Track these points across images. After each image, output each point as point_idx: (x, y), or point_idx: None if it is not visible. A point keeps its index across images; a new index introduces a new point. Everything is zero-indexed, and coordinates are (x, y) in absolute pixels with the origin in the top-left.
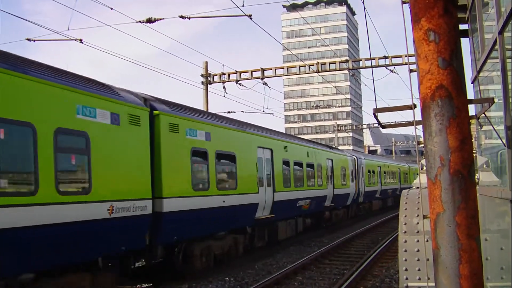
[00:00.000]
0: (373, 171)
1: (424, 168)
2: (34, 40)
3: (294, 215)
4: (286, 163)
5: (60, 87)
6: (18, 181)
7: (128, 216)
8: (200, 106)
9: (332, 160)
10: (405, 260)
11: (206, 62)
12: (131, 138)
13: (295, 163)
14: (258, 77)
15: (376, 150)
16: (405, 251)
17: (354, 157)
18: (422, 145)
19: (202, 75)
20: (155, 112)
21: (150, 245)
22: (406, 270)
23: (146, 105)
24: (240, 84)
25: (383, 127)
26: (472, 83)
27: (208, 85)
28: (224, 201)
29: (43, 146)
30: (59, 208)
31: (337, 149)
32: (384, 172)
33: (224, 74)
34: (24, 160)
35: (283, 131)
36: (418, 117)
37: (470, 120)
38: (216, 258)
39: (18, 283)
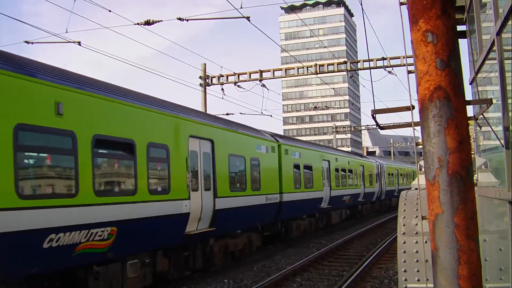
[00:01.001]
0: (392, 174)
1: (423, 169)
2: (32, 43)
3: (342, 207)
4: (343, 170)
5: (251, 137)
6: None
7: (271, 203)
8: (199, 107)
9: (363, 166)
10: (404, 261)
11: (205, 64)
12: (273, 160)
13: (349, 170)
14: (256, 79)
15: (374, 152)
16: (404, 252)
17: (378, 162)
18: (421, 146)
19: (200, 77)
20: (278, 143)
21: (274, 221)
22: (405, 271)
23: (275, 140)
24: (238, 86)
25: (382, 128)
26: (470, 84)
27: (207, 87)
28: (307, 196)
29: (248, 167)
30: (247, 198)
31: (366, 156)
32: (401, 175)
33: (222, 76)
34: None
35: (282, 133)
36: (417, 118)
37: (468, 121)
38: (302, 231)
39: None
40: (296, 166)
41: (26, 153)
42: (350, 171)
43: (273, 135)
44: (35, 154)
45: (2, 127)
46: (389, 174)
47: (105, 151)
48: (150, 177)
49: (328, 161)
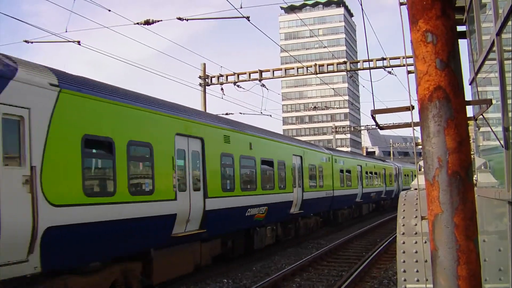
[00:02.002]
0: (407, 175)
1: (422, 169)
2: (32, 42)
3: (370, 202)
4: (371, 172)
5: (319, 152)
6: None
7: (329, 196)
8: (198, 107)
9: (385, 169)
10: (403, 261)
11: (204, 64)
12: (329, 166)
13: (375, 173)
14: (256, 79)
15: (374, 152)
16: (403, 252)
17: (396, 165)
18: (420, 147)
19: (200, 77)
20: (331, 155)
21: (328, 210)
22: (404, 271)
23: (330, 152)
24: (238, 86)
25: (381, 128)
26: (470, 84)
27: (206, 86)
28: (348, 192)
29: (317, 171)
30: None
31: (386, 160)
32: (414, 175)
33: (222, 75)
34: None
35: (281, 133)
36: (416, 118)
37: (468, 122)
38: (344, 218)
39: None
40: (341, 171)
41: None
42: (376, 173)
43: (328, 148)
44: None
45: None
46: (405, 175)
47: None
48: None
49: (361, 166)
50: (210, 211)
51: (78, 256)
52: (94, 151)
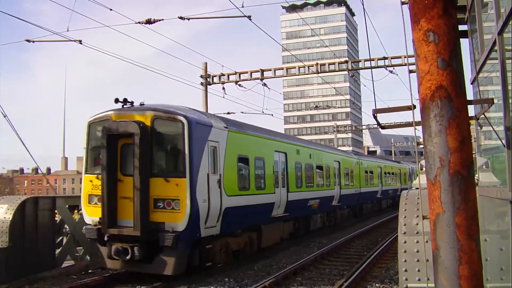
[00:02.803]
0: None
1: (424, 169)
2: (33, 41)
3: (388, 198)
4: (389, 173)
5: (352, 158)
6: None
7: (357, 193)
8: (200, 107)
9: (400, 170)
10: (405, 261)
11: (206, 63)
12: (357, 168)
13: (392, 173)
14: (257, 78)
15: (375, 151)
16: (405, 251)
17: (410, 166)
18: (422, 146)
19: (201, 76)
20: (358, 159)
21: (355, 203)
22: (405, 271)
23: (357, 157)
24: (239, 85)
25: (383, 128)
26: (471, 83)
27: (208, 86)
28: (370, 189)
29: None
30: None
31: (401, 162)
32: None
33: (223, 75)
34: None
35: (283, 132)
36: (418, 117)
37: (470, 121)
38: (368, 211)
39: None
40: (366, 172)
41: (241, 165)
42: (392, 173)
43: (355, 153)
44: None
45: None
46: (417, 175)
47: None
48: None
49: (381, 168)
50: (291, 201)
51: (234, 225)
52: (241, 164)
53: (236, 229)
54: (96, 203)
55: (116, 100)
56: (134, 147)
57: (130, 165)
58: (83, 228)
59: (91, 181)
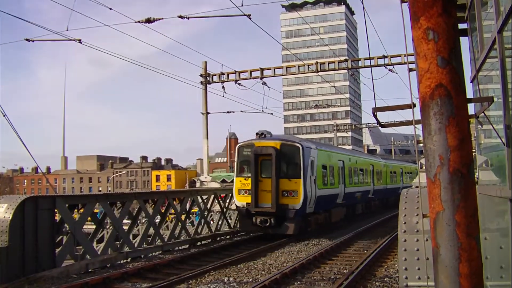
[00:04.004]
0: None
1: (424, 167)
2: (33, 41)
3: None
4: (409, 172)
5: (382, 161)
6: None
7: (384, 188)
8: (199, 106)
9: (417, 169)
10: (405, 259)
11: (205, 62)
12: (384, 170)
13: (410, 173)
14: (257, 77)
15: (375, 150)
16: (405, 250)
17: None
18: (422, 144)
19: (201, 75)
20: (386, 162)
21: (384, 197)
22: (406, 269)
23: (385, 160)
24: (239, 84)
25: (383, 126)
26: (471, 82)
27: (207, 84)
28: (401, 185)
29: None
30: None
31: (410, 162)
32: None
33: (223, 74)
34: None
35: (283, 131)
36: (418, 116)
37: (470, 119)
38: (392, 203)
39: None
40: (391, 172)
41: (324, 170)
42: (410, 173)
43: (383, 157)
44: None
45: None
46: None
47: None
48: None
49: (402, 168)
50: (346, 193)
51: (320, 207)
52: (323, 169)
53: (320, 209)
54: (243, 194)
55: (257, 134)
56: (272, 162)
57: (266, 172)
58: (236, 208)
59: (240, 181)
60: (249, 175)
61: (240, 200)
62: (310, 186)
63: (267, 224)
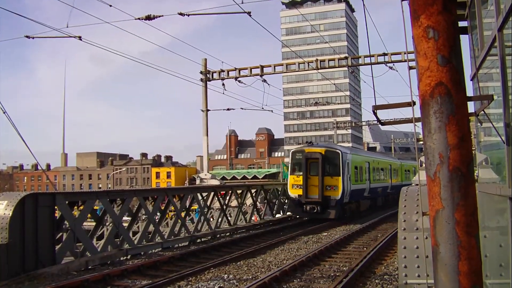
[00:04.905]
0: None
1: (424, 165)
2: (33, 37)
3: None
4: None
5: (398, 162)
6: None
7: (400, 184)
8: (200, 103)
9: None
10: (405, 257)
11: (205, 59)
12: (400, 168)
13: (407, 170)
14: (257, 74)
15: (375, 147)
16: (404, 248)
17: None
18: (422, 142)
19: (201, 72)
20: (401, 162)
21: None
22: (405, 267)
23: (400, 161)
24: (239, 81)
25: (382, 124)
26: (471, 80)
27: (208, 82)
28: (408, 183)
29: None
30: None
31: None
32: None
33: (223, 71)
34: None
35: (283, 129)
36: (418, 114)
37: (470, 117)
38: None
39: None
40: (405, 170)
41: (355, 170)
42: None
43: (399, 158)
44: (357, 170)
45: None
46: None
47: (390, 171)
48: (374, 174)
49: (414, 167)
50: (371, 188)
51: (352, 198)
52: (355, 169)
53: (352, 200)
54: (296, 188)
55: (306, 142)
56: (319, 163)
57: (313, 171)
58: (289, 198)
59: (293, 178)
60: (301, 173)
61: (293, 193)
62: (346, 182)
63: (315, 210)
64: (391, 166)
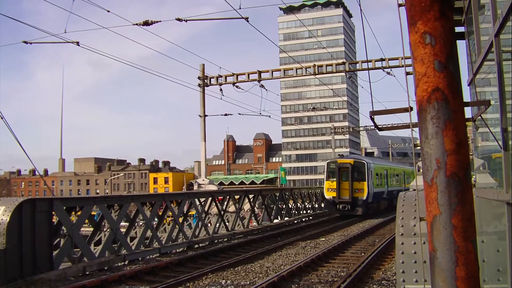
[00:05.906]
0: None
1: (421, 170)
2: (31, 43)
3: None
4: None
5: (409, 168)
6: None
7: (398, 190)
8: (197, 108)
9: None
10: (402, 262)
11: (203, 65)
12: (411, 174)
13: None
14: (255, 80)
15: (373, 153)
16: (402, 253)
17: None
18: (419, 148)
19: (199, 78)
20: (412, 169)
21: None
22: (403, 272)
23: (411, 167)
24: (237, 87)
25: (380, 129)
26: (468, 85)
27: (205, 87)
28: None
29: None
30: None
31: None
32: None
33: (221, 76)
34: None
35: (280, 134)
36: (415, 119)
37: (467, 123)
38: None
39: None
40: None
41: (376, 176)
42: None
43: (410, 165)
44: (378, 176)
45: (375, 173)
46: None
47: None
48: (392, 179)
49: (405, 174)
50: (388, 191)
51: (374, 199)
52: (376, 176)
53: (374, 201)
54: (330, 191)
55: (339, 155)
56: (349, 171)
57: (344, 177)
58: (325, 200)
59: (328, 183)
60: (334, 179)
61: (328, 195)
62: (370, 186)
63: (346, 209)
64: (404, 172)
